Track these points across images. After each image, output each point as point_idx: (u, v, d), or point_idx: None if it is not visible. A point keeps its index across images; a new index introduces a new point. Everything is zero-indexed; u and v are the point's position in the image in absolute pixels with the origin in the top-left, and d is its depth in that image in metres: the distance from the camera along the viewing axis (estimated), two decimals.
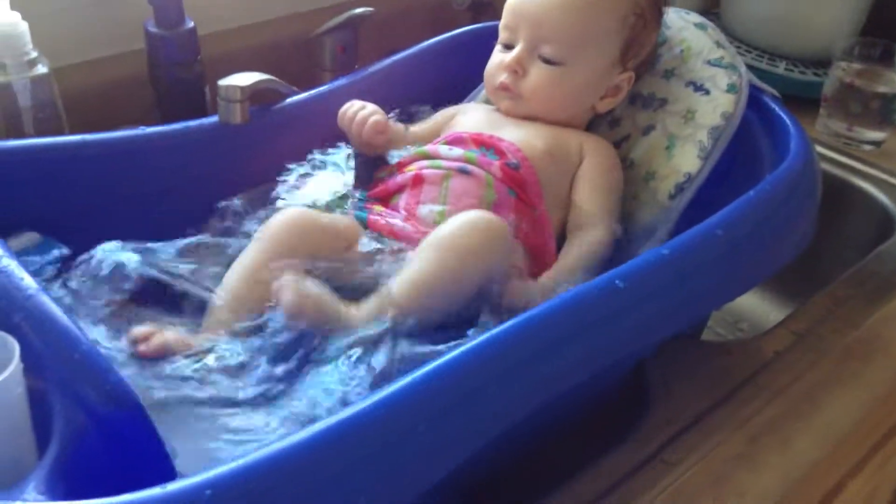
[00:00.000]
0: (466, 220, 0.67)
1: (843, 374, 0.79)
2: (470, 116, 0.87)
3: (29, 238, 0.71)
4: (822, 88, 1.16)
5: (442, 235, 0.67)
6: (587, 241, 0.76)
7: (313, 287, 0.63)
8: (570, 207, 0.81)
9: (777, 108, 0.85)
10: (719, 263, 0.69)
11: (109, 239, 0.70)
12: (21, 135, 0.80)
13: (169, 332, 0.63)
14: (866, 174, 1.11)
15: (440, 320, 0.64)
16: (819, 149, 1.15)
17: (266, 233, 0.71)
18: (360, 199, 0.80)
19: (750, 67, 1.20)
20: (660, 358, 0.77)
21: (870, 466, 0.82)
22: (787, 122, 0.83)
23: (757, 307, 1.21)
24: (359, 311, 0.64)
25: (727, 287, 0.72)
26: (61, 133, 0.83)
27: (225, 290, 0.67)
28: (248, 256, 0.69)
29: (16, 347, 0.46)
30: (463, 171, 0.76)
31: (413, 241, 0.70)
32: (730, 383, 0.77)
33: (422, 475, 0.50)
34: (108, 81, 0.91)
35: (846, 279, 0.92)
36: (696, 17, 0.90)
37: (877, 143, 1.14)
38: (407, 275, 0.65)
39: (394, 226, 0.72)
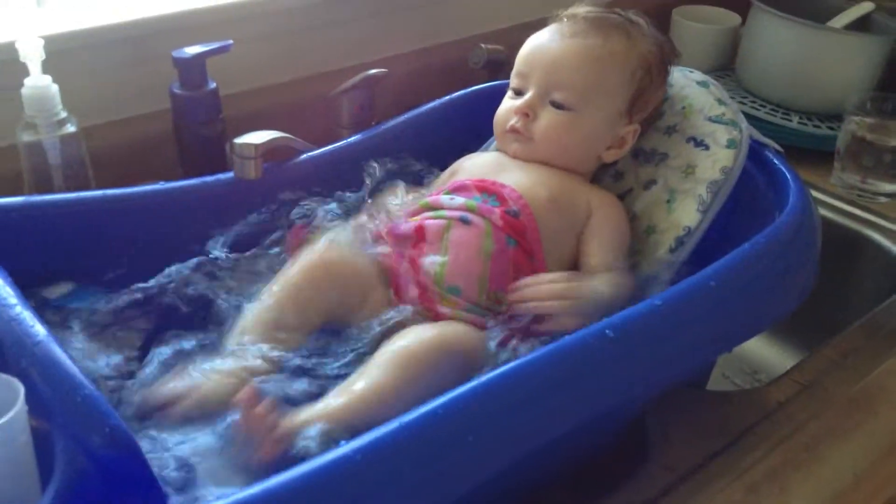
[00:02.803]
0: (419, 340, 0.68)
1: (846, 425, 0.79)
2: (475, 162, 0.89)
3: (65, 287, 0.76)
4: (836, 142, 1.17)
5: (393, 351, 0.67)
6: (616, 282, 0.78)
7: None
8: (580, 265, 0.82)
9: (778, 162, 0.87)
10: (712, 315, 0.71)
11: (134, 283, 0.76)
12: (51, 190, 0.85)
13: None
14: (880, 226, 1.12)
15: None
16: (833, 201, 1.17)
17: (293, 270, 0.75)
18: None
19: (763, 121, 1.24)
20: (661, 406, 0.78)
21: None
22: (787, 175, 0.84)
23: (774, 357, 1.20)
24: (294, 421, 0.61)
25: (721, 338, 0.73)
26: (88, 188, 0.87)
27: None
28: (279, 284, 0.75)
29: (20, 389, 0.49)
30: (463, 221, 0.78)
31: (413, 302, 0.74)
32: (730, 433, 0.77)
33: None
34: (134, 139, 0.96)
35: (854, 330, 0.92)
36: (698, 76, 0.93)
37: (890, 196, 1.14)
38: (346, 390, 0.64)
39: (399, 277, 0.76)
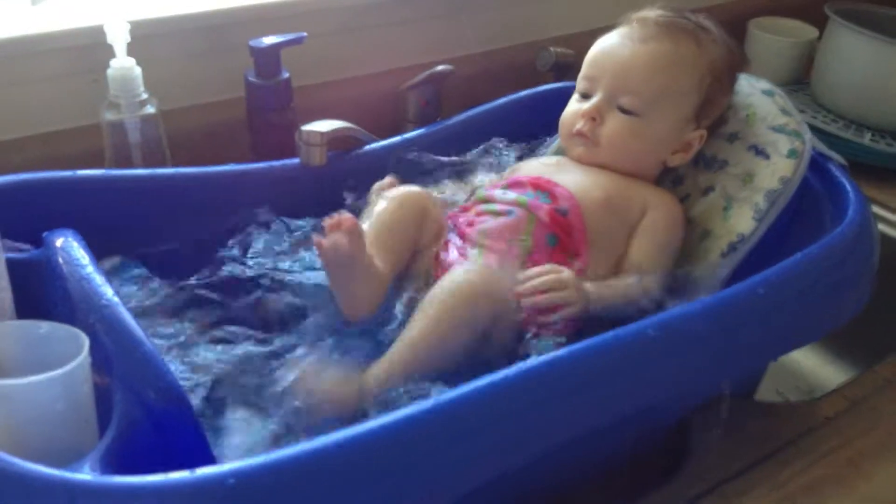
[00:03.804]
0: (446, 283, 0.71)
1: (893, 444, 0.78)
2: (535, 162, 0.91)
3: (111, 261, 0.80)
4: None
5: (427, 300, 0.71)
6: (630, 281, 0.78)
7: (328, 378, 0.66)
8: (625, 258, 0.82)
9: (840, 175, 0.86)
10: (758, 322, 0.71)
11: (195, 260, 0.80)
12: (130, 167, 0.90)
13: None
14: None
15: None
16: None
17: (384, 207, 0.81)
18: None
19: (835, 137, 1.22)
20: (706, 413, 0.78)
21: None
22: (848, 188, 0.84)
23: (831, 376, 1.18)
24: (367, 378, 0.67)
25: (766, 346, 0.73)
26: (165, 167, 0.92)
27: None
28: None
29: (86, 342, 0.53)
30: (508, 214, 0.80)
31: None
32: (773, 444, 0.77)
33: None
34: (210, 124, 1.01)
35: None
36: (764, 84, 0.92)
37: None
38: (393, 350, 0.69)
39: (448, 255, 0.78)
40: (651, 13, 0.88)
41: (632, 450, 0.76)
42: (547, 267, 0.74)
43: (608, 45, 0.87)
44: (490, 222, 0.80)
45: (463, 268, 0.73)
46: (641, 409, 0.66)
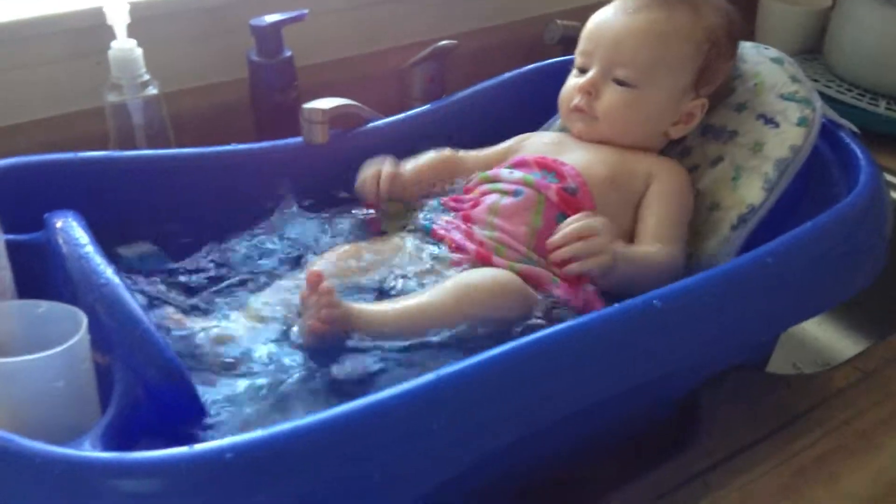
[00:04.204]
0: (485, 277, 0.71)
1: None
2: (538, 140, 0.90)
3: (142, 248, 0.80)
4: None
5: (458, 281, 0.71)
6: (653, 250, 0.78)
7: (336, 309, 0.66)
8: (636, 232, 0.81)
9: (851, 143, 0.84)
10: (768, 292, 0.70)
11: (202, 241, 0.80)
12: (134, 149, 0.90)
13: None
14: None
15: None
16: None
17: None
18: (430, 210, 0.84)
19: (850, 106, 1.20)
20: (717, 385, 0.77)
21: None
22: (860, 156, 0.82)
23: (850, 349, 1.17)
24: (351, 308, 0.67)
25: (777, 316, 0.72)
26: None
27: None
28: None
29: (84, 319, 0.53)
30: (517, 194, 0.79)
31: (469, 255, 0.75)
32: (784, 416, 0.76)
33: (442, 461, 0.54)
34: (214, 105, 1.01)
35: None
36: (773, 52, 0.91)
37: None
38: (404, 302, 0.69)
39: (454, 239, 0.77)
40: None
41: (642, 423, 0.75)
42: (580, 215, 0.75)
43: (602, 17, 0.86)
44: (499, 200, 0.80)
45: (502, 271, 0.72)
46: (649, 381, 0.66)
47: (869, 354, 0.84)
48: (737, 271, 0.68)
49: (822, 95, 1.21)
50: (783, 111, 0.85)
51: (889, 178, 1.13)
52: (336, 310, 0.65)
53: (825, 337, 1.19)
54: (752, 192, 0.82)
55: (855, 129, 0.88)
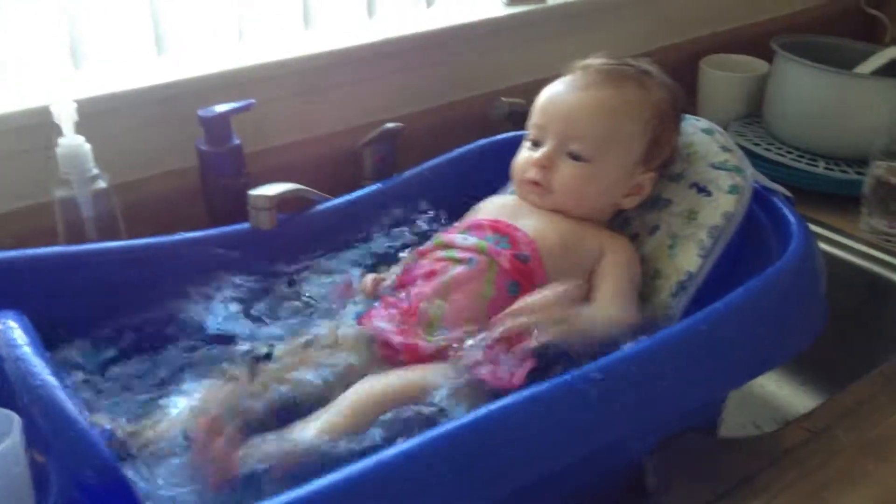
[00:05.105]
0: (369, 390, 0.71)
1: (854, 473, 0.77)
2: (495, 202, 0.92)
3: (85, 345, 0.80)
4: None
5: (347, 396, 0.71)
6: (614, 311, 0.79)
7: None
8: (593, 299, 0.82)
9: (783, 207, 0.87)
10: (703, 358, 0.71)
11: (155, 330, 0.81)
12: (84, 242, 0.91)
13: None
14: None
15: None
16: (862, 247, 1.15)
17: None
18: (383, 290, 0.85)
19: (790, 167, 1.24)
20: (665, 450, 0.77)
21: None
22: (791, 221, 0.85)
23: (810, 406, 1.18)
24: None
25: (713, 381, 0.73)
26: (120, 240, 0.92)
27: None
28: None
29: (18, 422, 0.53)
30: (469, 263, 0.81)
31: (396, 351, 0.76)
32: (733, 479, 0.77)
33: None
34: (165, 194, 1.02)
35: (873, 377, 0.90)
36: (704, 123, 0.94)
37: None
38: (305, 427, 0.68)
39: (381, 330, 0.77)
40: (594, 61, 0.91)
41: (593, 494, 0.75)
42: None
43: (554, 92, 0.90)
44: (451, 271, 0.81)
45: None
46: (592, 451, 0.66)
47: (816, 413, 0.85)
48: (671, 339, 0.70)
49: (763, 157, 1.26)
50: (715, 180, 0.88)
51: (830, 235, 1.16)
52: (235, 469, 0.63)
53: (783, 394, 1.21)
54: (688, 259, 0.84)
55: (787, 192, 0.91)
